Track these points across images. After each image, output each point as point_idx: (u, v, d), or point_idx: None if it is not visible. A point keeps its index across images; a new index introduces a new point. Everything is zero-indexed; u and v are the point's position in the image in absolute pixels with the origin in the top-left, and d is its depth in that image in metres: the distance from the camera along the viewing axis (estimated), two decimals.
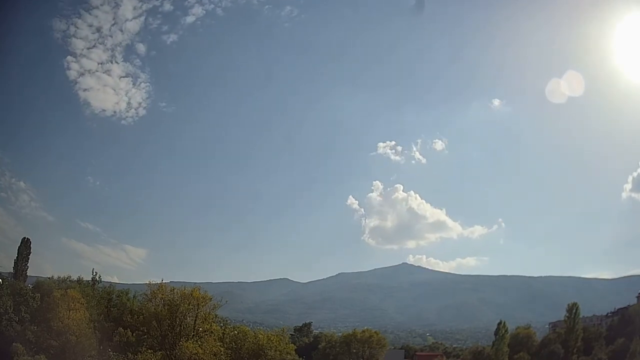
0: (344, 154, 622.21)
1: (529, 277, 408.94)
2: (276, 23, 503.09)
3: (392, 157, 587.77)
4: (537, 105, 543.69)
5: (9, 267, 69.58)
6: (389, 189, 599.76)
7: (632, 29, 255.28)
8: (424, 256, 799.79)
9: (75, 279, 65.95)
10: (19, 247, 69.94)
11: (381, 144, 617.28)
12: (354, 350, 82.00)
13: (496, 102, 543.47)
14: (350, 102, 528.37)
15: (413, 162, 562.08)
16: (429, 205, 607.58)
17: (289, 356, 61.33)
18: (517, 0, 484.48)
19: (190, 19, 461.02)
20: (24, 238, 71.52)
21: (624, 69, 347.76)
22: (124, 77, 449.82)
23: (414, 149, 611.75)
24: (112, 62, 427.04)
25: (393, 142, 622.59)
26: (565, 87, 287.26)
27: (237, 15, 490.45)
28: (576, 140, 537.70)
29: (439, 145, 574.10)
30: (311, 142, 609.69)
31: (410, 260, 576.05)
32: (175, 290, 54.70)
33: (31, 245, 70.74)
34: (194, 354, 49.94)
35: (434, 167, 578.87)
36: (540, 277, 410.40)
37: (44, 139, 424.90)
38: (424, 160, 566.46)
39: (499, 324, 78.86)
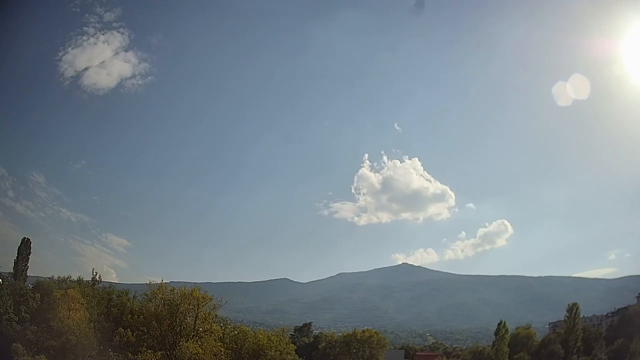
0: (343, 150, 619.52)
1: (529, 277, 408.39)
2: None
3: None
4: (541, 107, 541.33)
5: (9, 267, 69.75)
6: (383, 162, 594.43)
7: (638, 33, 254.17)
8: (424, 250, 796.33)
9: (75, 279, 65.98)
10: (19, 247, 70.03)
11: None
12: (354, 350, 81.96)
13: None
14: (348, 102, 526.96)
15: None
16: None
17: (289, 356, 61.36)
18: (523, 4, 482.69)
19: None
20: (24, 238, 71.70)
21: (630, 73, 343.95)
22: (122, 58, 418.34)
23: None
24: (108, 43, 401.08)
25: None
26: (571, 90, 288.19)
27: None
28: (579, 142, 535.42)
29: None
30: (310, 141, 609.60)
31: (411, 260, 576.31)
32: (175, 290, 54.74)
33: (31, 245, 70.96)
34: (194, 354, 49.97)
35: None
36: (540, 277, 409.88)
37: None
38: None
39: (499, 324, 79.03)
